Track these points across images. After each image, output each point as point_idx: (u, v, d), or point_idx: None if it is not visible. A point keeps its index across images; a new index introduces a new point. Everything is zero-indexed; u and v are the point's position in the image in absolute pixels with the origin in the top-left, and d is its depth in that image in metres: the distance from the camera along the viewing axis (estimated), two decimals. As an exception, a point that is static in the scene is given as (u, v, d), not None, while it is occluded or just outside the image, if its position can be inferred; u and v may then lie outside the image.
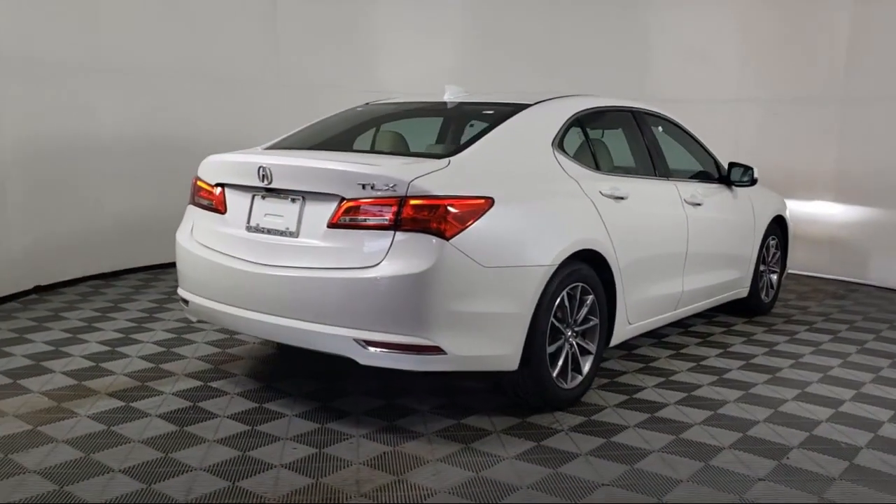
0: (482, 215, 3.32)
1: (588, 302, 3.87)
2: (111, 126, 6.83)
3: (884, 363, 4.81)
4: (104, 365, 4.36)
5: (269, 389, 4.03)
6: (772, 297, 6.23)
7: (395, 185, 3.25)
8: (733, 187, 5.47)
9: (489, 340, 3.39)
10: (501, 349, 3.43)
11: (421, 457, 3.24)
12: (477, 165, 3.54)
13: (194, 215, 4.00)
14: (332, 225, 3.38)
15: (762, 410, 3.88)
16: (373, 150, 4.20)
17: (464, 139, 4.00)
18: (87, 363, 4.39)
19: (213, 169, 3.90)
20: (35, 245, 6.20)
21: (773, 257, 6.17)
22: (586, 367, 3.91)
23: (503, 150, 3.73)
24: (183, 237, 4.01)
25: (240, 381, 4.15)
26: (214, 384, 4.10)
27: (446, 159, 3.50)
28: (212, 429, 3.49)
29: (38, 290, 6.22)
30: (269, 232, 3.59)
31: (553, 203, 3.75)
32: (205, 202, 3.91)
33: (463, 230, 3.25)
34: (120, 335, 4.98)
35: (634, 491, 2.96)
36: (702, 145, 5.47)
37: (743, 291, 5.75)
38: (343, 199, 3.35)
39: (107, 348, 4.68)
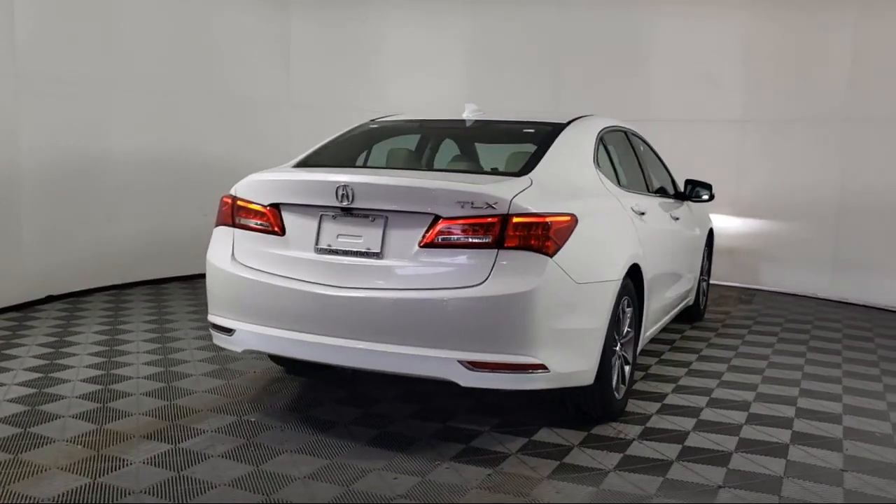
0: (572, 232, 3.37)
1: (629, 314, 4.02)
2: (126, 144, 7.06)
3: (837, 359, 5.34)
4: (113, 405, 3.94)
5: (312, 420, 3.83)
6: (704, 303, 6.72)
7: (496, 202, 3.23)
8: (687, 203, 5.85)
9: (579, 356, 3.44)
10: (586, 364, 3.49)
11: (529, 476, 3.22)
12: (550, 183, 3.59)
13: (234, 237, 3.73)
14: (425, 245, 3.29)
15: (786, 408, 4.20)
16: (434, 168, 4.14)
17: (510, 157, 4.02)
18: (92, 404, 3.95)
19: (265, 188, 3.66)
20: (48, 257, 6.44)
21: (704, 267, 6.65)
22: (627, 377, 4.05)
23: (561, 167, 3.81)
24: (220, 260, 3.72)
25: (274, 413, 3.91)
26: (251, 418, 3.83)
27: (525, 177, 3.51)
28: (290, 464, 3.27)
29: (51, 299, 6.43)
30: (347, 254, 3.43)
31: (611, 219, 3.87)
32: (252, 223, 3.66)
33: (561, 247, 3.29)
34: (98, 371, 4.50)
35: (752, 490, 3.12)
36: (661, 162, 5.81)
37: (691, 300, 6.16)
38: (438, 217, 3.27)
39: (98, 386, 4.23)
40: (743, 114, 8.21)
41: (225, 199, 3.80)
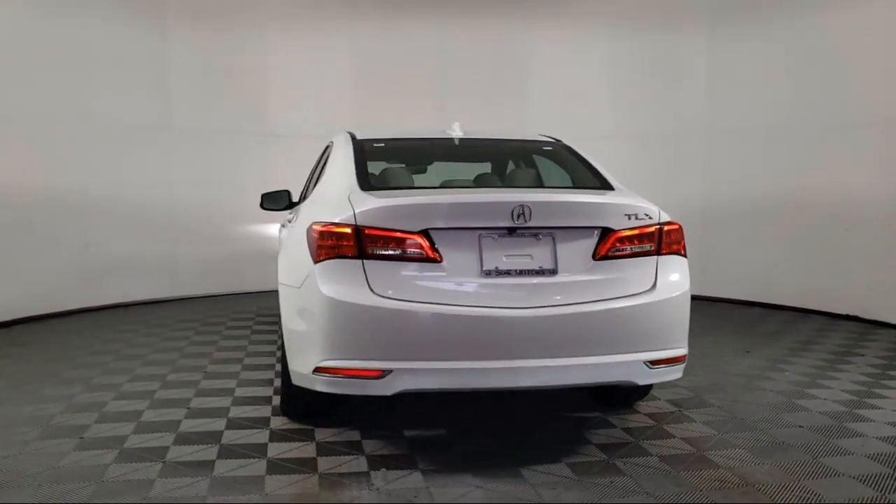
0: None
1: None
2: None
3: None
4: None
5: (461, 460, 3.63)
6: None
7: (651, 213, 3.58)
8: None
9: (680, 345, 3.94)
10: (675, 351, 4.00)
11: (690, 453, 3.65)
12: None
13: (366, 268, 3.32)
14: (601, 257, 3.47)
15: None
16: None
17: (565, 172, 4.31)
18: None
19: (411, 213, 3.35)
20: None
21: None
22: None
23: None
24: (353, 296, 3.28)
25: (432, 458, 3.58)
26: (392, 469, 3.46)
27: (625, 189, 3.89)
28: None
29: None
30: (520, 273, 3.39)
31: None
32: (397, 252, 3.33)
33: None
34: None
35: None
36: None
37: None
38: (608, 230, 3.49)
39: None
40: (612, 130, 8.78)
41: (339, 230, 3.35)
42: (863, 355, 5.77)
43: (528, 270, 3.42)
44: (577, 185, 4.14)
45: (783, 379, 5.02)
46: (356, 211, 3.37)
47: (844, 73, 7.15)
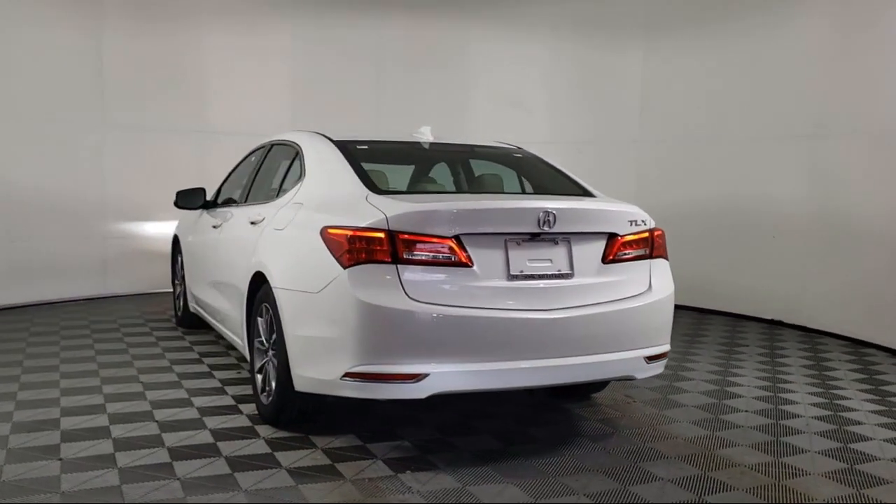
0: None
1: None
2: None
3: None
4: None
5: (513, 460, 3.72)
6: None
7: (644, 220, 3.88)
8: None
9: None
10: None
11: (675, 435, 4.00)
12: (611, 201, 4.28)
13: (400, 273, 3.33)
14: (608, 260, 3.72)
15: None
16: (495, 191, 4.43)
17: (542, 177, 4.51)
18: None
19: (444, 219, 3.39)
20: None
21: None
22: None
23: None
24: (389, 300, 3.28)
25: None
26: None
27: (607, 196, 4.17)
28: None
29: None
30: (542, 277, 3.55)
31: None
32: (431, 257, 3.36)
33: (663, 252, 4.12)
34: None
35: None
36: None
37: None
38: (614, 235, 3.74)
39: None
40: (549, 136, 8.61)
41: (372, 234, 3.33)
42: (748, 345, 6.48)
43: (549, 274, 3.59)
44: (558, 191, 4.34)
45: (703, 369, 5.55)
46: (388, 215, 3.37)
47: (771, 89, 7.54)
